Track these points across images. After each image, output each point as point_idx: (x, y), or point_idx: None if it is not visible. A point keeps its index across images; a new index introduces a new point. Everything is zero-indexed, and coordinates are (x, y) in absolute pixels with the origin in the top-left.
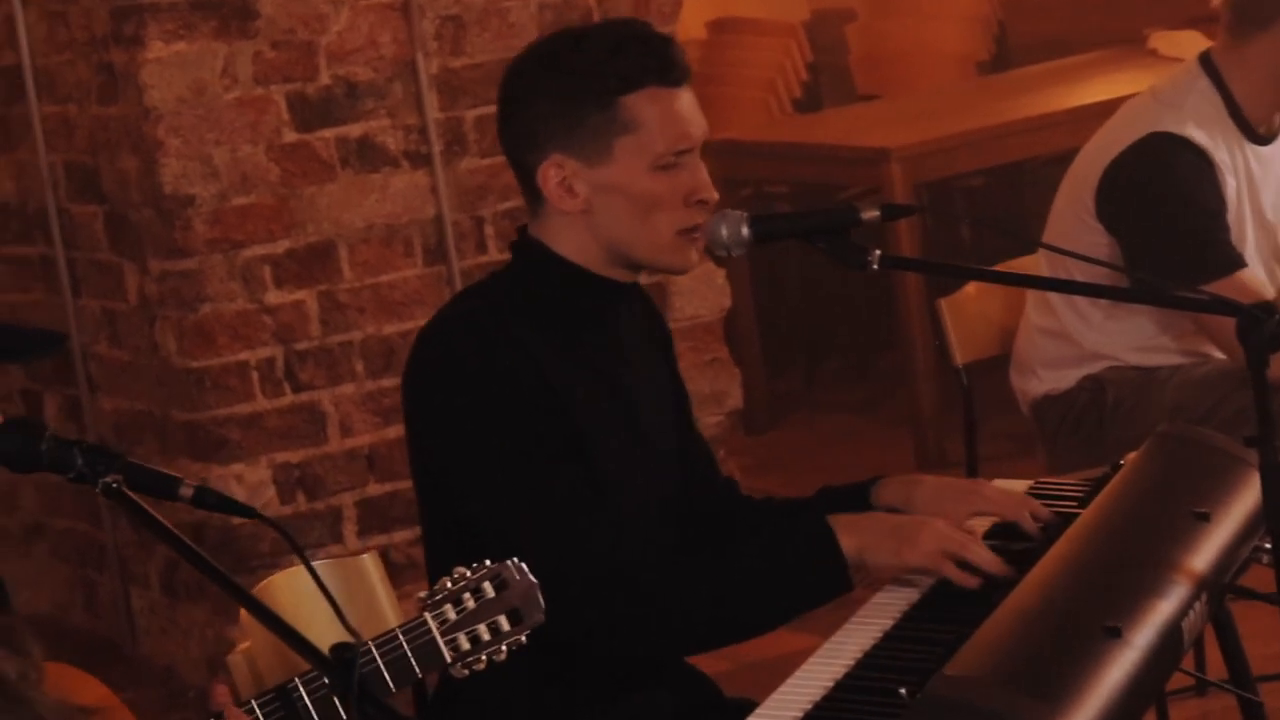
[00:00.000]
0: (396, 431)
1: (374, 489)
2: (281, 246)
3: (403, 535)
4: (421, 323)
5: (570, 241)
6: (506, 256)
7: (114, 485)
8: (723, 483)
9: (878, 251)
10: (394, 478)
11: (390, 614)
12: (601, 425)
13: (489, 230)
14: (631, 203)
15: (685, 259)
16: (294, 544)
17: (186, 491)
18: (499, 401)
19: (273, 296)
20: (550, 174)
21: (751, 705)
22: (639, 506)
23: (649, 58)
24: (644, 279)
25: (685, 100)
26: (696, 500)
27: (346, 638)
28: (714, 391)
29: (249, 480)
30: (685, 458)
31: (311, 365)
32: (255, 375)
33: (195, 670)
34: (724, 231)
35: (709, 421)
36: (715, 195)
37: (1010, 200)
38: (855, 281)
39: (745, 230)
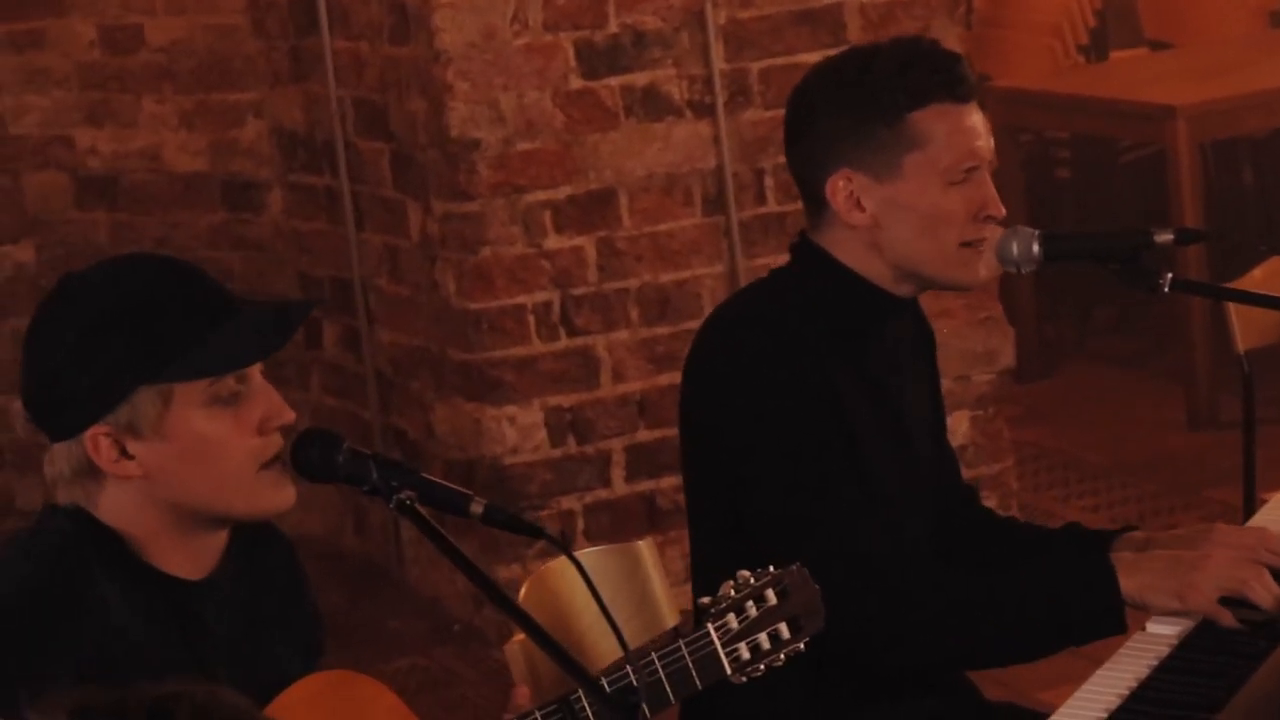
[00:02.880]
0: (669, 379)
1: (643, 435)
2: (563, 193)
3: (670, 481)
4: (698, 272)
5: (854, 254)
6: (786, 208)
7: (407, 501)
8: (967, 492)
9: (1169, 275)
10: (664, 424)
11: (663, 601)
12: (875, 434)
13: (769, 182)
14: (920, 218)
15: (972, 274)
16: (572, 557)
17: (476, 509)
18: (788, 404)
19: (552, 242)
20: (839, 187)
21: (1013, 708)
22: (907, 516)
23: (938, 74)
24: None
25: (974, 116)
26: (940, 506)
27: (620, 628)
28: (986, 350)
29: (521, 422)
30: (939, 468)
31: (587, 310)
32: (531, 319)
33: (461, 604)
34: (1015, 249)
35: (980, 380)
36: (1003, 211)
37: None
38: (1131, 223)
39: (1036, 248)
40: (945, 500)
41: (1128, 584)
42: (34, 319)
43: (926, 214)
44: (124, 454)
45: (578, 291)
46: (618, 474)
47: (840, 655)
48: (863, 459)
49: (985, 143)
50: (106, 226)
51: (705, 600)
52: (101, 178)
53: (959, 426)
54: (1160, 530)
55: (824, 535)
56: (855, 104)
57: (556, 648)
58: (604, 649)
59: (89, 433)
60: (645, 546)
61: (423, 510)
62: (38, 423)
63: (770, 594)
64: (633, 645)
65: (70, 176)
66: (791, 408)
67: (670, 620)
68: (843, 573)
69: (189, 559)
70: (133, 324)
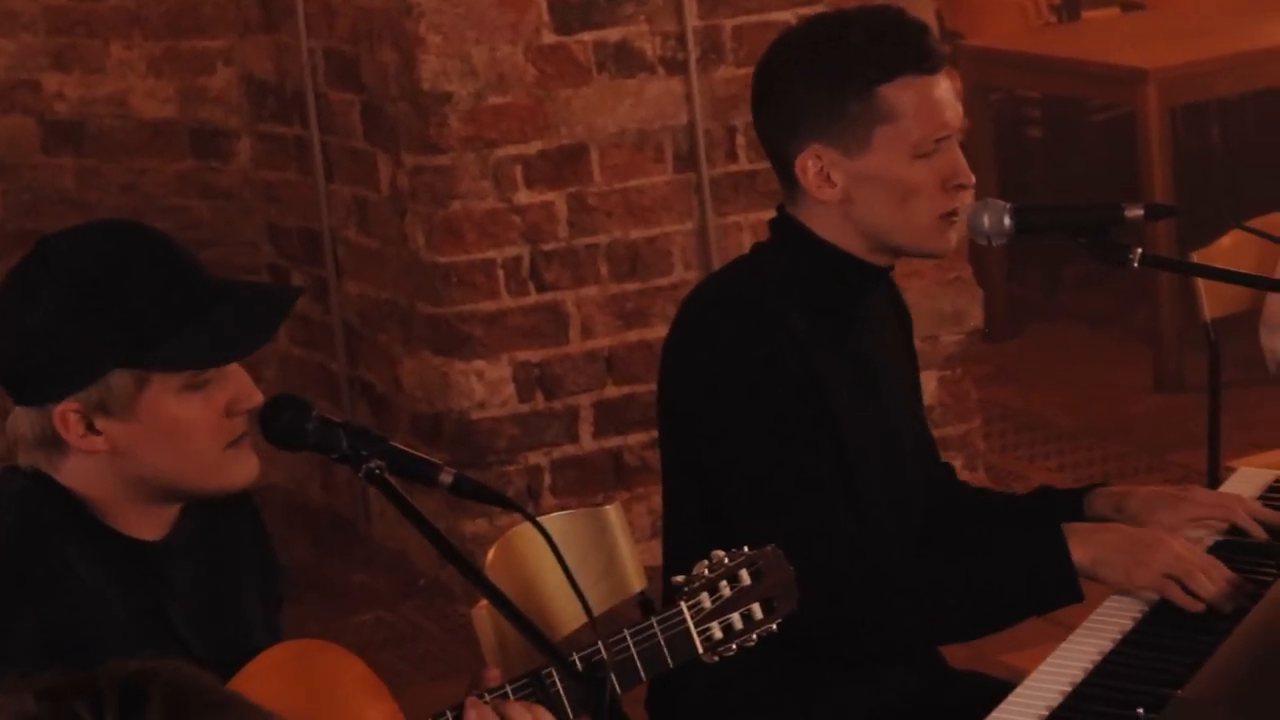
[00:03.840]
0: (637, 335)
1: (611, 391)
2: (534, 147)
3: (637, 438)
4: (669, 229)
5: (828, 227)
6: (757, 166)
7: (376, 470)
8: (942, 468)
9: (1139, 250)
10: (632, 380)
11: (630, 565)
12: (852, 410)
13: (740, 139)
14: (890, 191)
15: (945, 243)
16: (539, 526)
17: (446, 479)
18: (764, 386)
19: (523, 196)
20: (809, 165)
21: (979, 678)
22: (885, 493)
23: (906, 47)
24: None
25: (942, 87)
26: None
27: (585, 592)
28: (955, 310)
29: (489, 377)
30: (921, 438)
31: (557, 266)
32: (501, 273)
33: (427, 558)
34: (986, 221)
35: (948, 340)
36: (973, 179)
37: (1270, 128)
38: (1099, 188)
39: (1007, 221)
40: (924, 477)
41: (1081, 555)
42: (9, 283)
43: (896, 187)
44: (91, 429)
45: (547, 247)
46: (585, 430)
47: (813, 637)
48: (843, 440)
49: (953, 112)
50: (73, 172)
51: (679, 579)
52: (68, 123)
53: (926, 386)
54: None
55: (801, 520)
56: (824, 78)
57: (527, 623)
58: (571, 613)
59: (59, 407)
60: (613, 511)
61: (392, 479)
62: (4, 385)
63: (744, 574)
64: (600, 608)
65: (37, 121)
66: (769, 391)
67: (638, 583)
68: (818, 557)
69: (149, 522)
70: (114, 305)
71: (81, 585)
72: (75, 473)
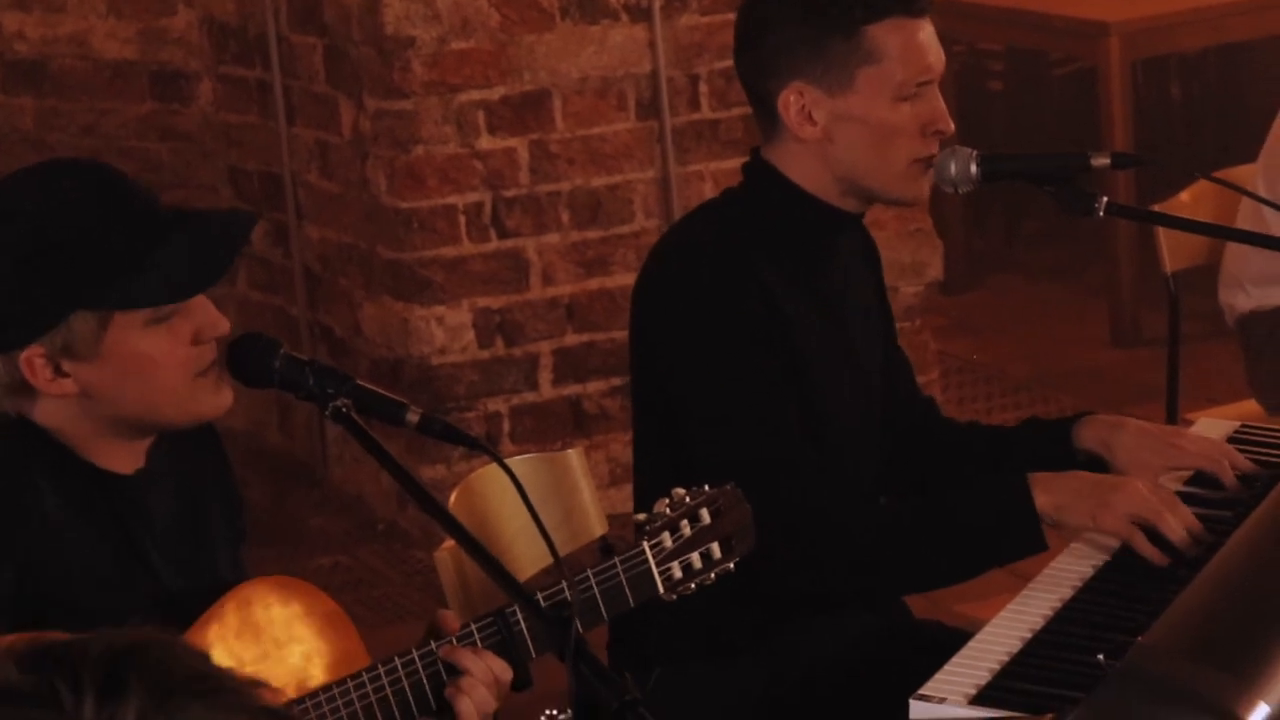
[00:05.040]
0: (598, 283)
1: (571, 339)
2: (497, 93)
3: (597, 385)
4: (630, 177)
5: (804, 169)
6: (720, 114)
7: (343, 409)
8: (922, 401)
9: (1104, 199)
10: (592, 328)
11: (592, 510)
12: (820, 353)
13: (704, 88)
14: (870, 132)
15: (917, 190)
16: (505, 466)
17: (412, 418)
18: (728, 332)
19: (485, 142)
20: (791, 101)
21: (940, 627)
22: (849, 435)
23: None
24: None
25: (927, 31)
26: (895, 418)
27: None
28: (914, 262)
29: (449, 323)
30: (889, 378)
31: (518, 213)
32: (462, 219)
33: (385, 503)
34: (952, 168)
35: (907, 291)
36: (951, 127)
37: (1230, 83)
38: (1060, 141)
39: (974, 168)
40: (900, 413)
41: (1044, 501)
42: None
43: (876, 128)
44: (59, 373)
45: (509, 193)
46: (545, 377)
47: (767, 577)
48: (809, 385)
49: (937, 57)
50: (33, 113)
51: (640, 517)
52: (28, 63)
53: None
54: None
55: (761, 461)
56: (810, 15)
57: (493, 563)
58: (533, 555)
59: (24, 354)
60: (574, 455)
61: (357, 418)
62: None
63: (705, 513)
64: (561, 552)
65: None
66: (733, 333)
67: (599, 529)
68: (777, 499)
69: (123, 456)
70: (70, 246)
71: (54, 523)
72: (48, 414)
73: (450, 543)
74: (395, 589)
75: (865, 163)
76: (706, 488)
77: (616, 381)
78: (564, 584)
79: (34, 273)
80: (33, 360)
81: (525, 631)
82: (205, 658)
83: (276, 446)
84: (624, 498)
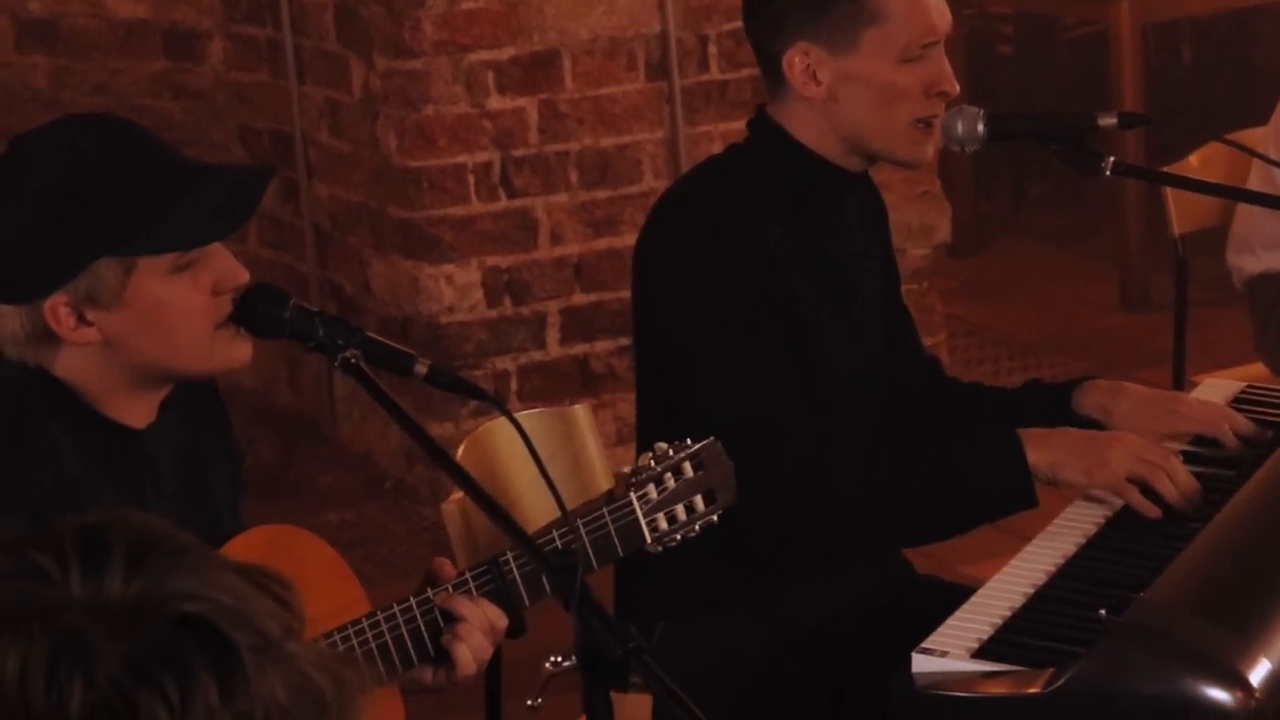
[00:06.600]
0: (606, 243)
1: (579, 298)
2: (506, 53)
3: (604, 345)
4: (639, 138)
5: (808, 128)
6: (729, 75)
7: (352, 360)
8: (927, 360)
9: (1111, 159)
10: (599, 288)
11: (599, 465)
12: (820, 312)
13: (713, 49)
14: (874, 93)
15: (921, 151)
16: (512, 419)
17: (421, 369)
18: (726, 290)
19: (494, 102)
20: (796, 61)
21: (940, 583)
22: (848, 394)
23: None
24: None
25: None
26: (899, 377)
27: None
28: (922, 224)
29: (458, 281)
30: (892, 336)
31: (527, 172)
32: (472, 178)
33: (393, 460)
34: (960, 127)
35: (914, 254)
36: (956, 88)
37: (1241, 47)
38: (1069, 106)
39: (981, 127)
40: (904, 373)
41: (1038, 459)
42: None
43: (881, 89)
44: (83, 321)
45: (518, 153)
46: (552, 336)
47: (763, 540)
48: (808, 344)
49: (942, 19)
50: (46, 71)
51: (625, 470)
52: (42, 21)
53: None
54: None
55: (746, 423)
56: None
57: (500, 511)
58: (540, 510)
59: (48, 302)
60: (582, 410)
61: (367, 369)
62: None
63: (687, 466)
64: (567, 507)
65: (10, 19)
66: (726, 295)
67: (605, 484)
68: (759, 460)
69: (138, 409)
70: (93, 195)
71: (70, 471)
72: (69, 364)
73: (457, 494)
74: (402, 546)
75: (868, 123)
76: (689, 441)
77: (624, 341)
78: (554, 534)
79: (57, 222)
80: (57, 308)
81: (519, 579)
82: (171, 524)
83: (285, 403)
84: (630, 456)
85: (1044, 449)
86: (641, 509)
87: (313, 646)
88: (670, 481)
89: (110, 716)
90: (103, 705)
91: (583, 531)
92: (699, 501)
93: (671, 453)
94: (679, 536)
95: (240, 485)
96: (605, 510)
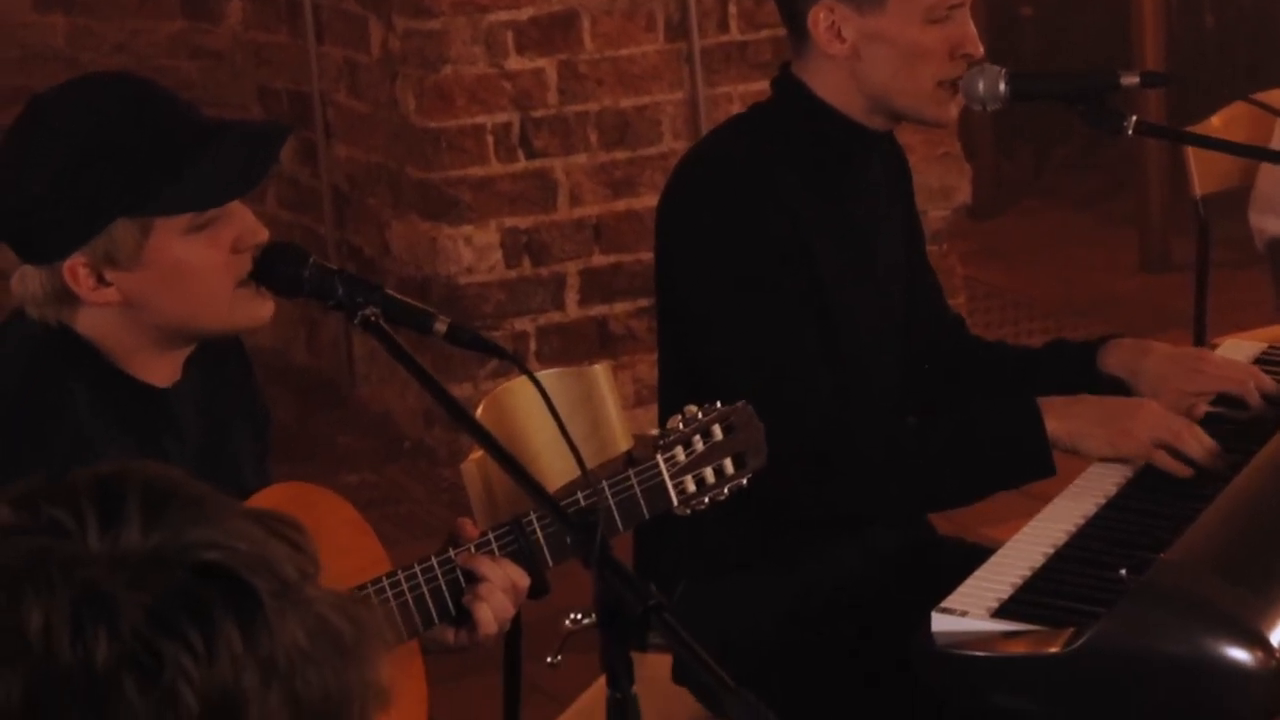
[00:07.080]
0: (625, 204)
1: (598, 259)
2: (525, 14)
3: (623, 306)
4: (659, 98)
5: (832, 86)
6: (749, 36)
7: (371, 318)
8: (951, 320)
9: (1134, 118)
10: (618, 249)
11: (617, 425)
12: (842, 272)
13: (733, 9)
14: (898, 52)
15: (945, 112)
16: (532, 377)
17: (440, 327)
18: (747, 251)
19: (513, 62)
20: (821, 17)
21: (963, 544)
22: (870, 354)
23: None
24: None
25: None
26: (922, 336)
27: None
28: (943, 186)
29: (477, 242)
30: (915, 295)
31: (546, 133)
32: (491, 139)
33: (412, 421)
34: (981, 86)
35: (935, 215)
36: (980, 50)
37: (1263, 9)
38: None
39: (1003, 86)
40: (927, 332)
41: (1058, 428)
42: (5, 144)
43: (905, 49)
44: (102, 281)
45: (537, 113)
46: (571, 297)
47: (783, 501)
48: (829, 304)
49: None
50: (64, 31)
51: (654, 432)
52: None
53: None
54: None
55: (768, 384)
56: None
57: (521, 470)
58: (559, 469)
59: (67, 263)
60: (601, 370)
61: (386, 327)
62: (10, 245)
63: (717, 429)
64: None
65: None
66: (748, 256)
67: (624, 444)
68: (781, 421)
69: (162, 368)
70: (111, 155)
71: (89, 429)
72: (90, 324)
73: (477, 454)
74: (421, 507)
75: (892, 82)
76: (719, 404)
77: (643, 303)
78: (579, 495)
79: (75, 182)
80: (76, 269)
81: (542, 539)
82: (185, 474)
83: (304, 364)
84: (650, 418)
85: (1065, 419)
86: (669, 471)
87: (330, 590)
88: (699, 444)
89: (137, 667)
90: (129, 657)
91: (608, 492)
92: (728, 465)
93: (701, 415)
94: (706, 500)
95: (267, 444)
96: (631, 472)
